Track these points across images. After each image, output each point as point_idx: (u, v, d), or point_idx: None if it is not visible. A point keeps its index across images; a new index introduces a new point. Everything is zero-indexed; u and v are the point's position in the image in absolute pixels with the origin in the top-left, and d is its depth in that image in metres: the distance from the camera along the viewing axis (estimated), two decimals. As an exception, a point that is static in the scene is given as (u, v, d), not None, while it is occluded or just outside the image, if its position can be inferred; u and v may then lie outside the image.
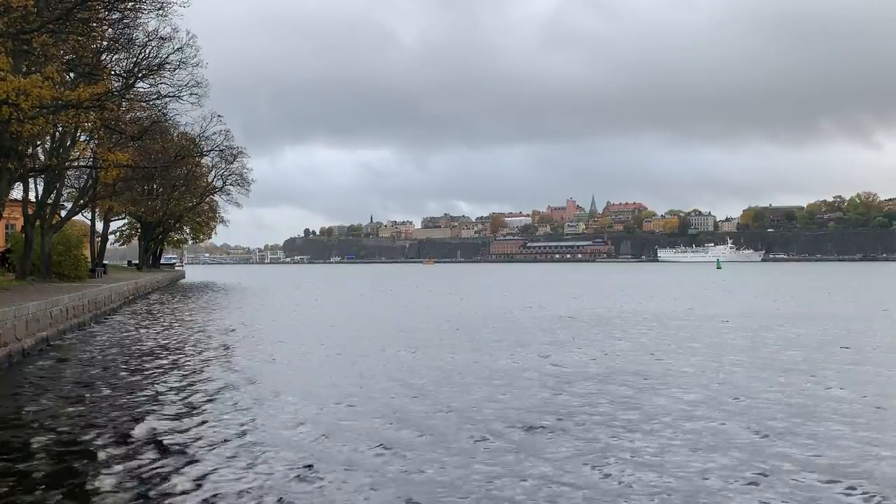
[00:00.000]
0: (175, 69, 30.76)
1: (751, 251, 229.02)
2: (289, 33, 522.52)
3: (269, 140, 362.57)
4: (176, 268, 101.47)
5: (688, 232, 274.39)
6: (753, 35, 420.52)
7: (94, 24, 23.13)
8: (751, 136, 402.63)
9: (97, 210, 48.10)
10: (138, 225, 68.99)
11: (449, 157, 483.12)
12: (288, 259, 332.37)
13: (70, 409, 10.88)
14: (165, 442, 8.93)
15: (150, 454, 8.37)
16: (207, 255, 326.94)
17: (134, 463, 8.02)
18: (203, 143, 62.43)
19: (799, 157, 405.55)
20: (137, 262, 73.38)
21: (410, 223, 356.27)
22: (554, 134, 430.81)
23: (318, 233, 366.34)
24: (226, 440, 8.99)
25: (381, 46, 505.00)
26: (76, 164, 34.02)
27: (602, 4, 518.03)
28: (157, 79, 30.92)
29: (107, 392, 12.29)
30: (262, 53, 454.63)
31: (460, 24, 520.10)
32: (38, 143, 31.04)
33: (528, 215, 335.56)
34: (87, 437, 9.21)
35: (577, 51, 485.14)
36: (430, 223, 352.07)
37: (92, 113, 24.18)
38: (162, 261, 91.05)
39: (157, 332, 21.84)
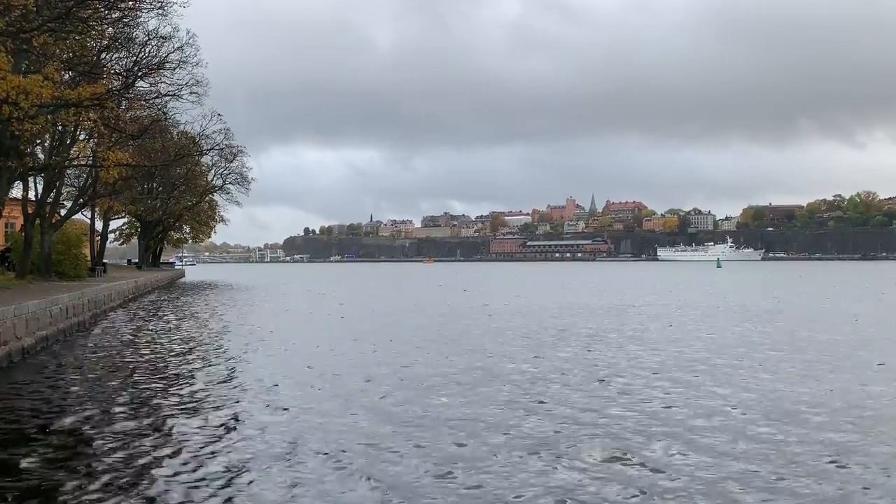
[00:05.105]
0: (175, 68, 30.71)
1: (750, 250, 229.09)
2: (266, 37, 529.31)
3: (254, 141, 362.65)
4: (176, 266, 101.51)
5: (687, 231, 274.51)
6: (722, 39, 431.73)
7: (94, 24, 23.09)
8: (731, 136, 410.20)
9: (97, 209, 48.11)
10: (138, 224, 69.01)
11: (434, 157, 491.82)
12: (287, 258, 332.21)
13: (69, 409, 10.91)
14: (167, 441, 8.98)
15: (153, 451, 8.41)
16: (207, 254, 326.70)
17: (135, 457, 8.06)
18: (203, 141, 62.44)
19: (782, 156, 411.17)
20: (137, 260, 73.46)
21: (410, 222, 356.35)
22: (534, 135, 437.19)
23: (317, 232, 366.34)
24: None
25: (357, 50, 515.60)
26: (76, 162, 34.01)
27: (566, 10, 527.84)
28: (157, 78, 30.89)
29: (107, 391, 12.32)
30: (241, 56, 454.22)
31: (432, 29, 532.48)
32: (38, 141, 31.02)
33: (527, 214, 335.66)
34: (88, 438, 9.24)
35: (544, 54, 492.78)
36: (429, 222, 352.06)
37: (92, 112, 24.17)
38: (171, 260, 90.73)
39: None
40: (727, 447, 8.50)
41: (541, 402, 11.16)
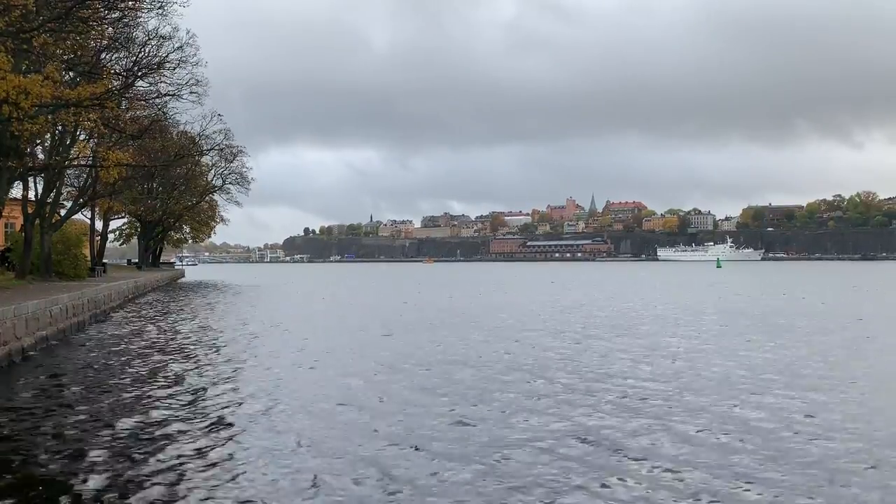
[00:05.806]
0: (175, 68, 30.66)
1: (750, 250, 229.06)
2: (265, 37, 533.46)
3: (253, 141, 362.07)
4: (176, 266, 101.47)
5: (687, 231, 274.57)
6: (721, 38, 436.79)
7: (94, 24, 23.07)
8: (731, 136, 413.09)
9: (97, 209, 48.12)
10: (138, 224, 69.01)
11: (432, 157, 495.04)
12: (287, 258, 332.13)
13: (71, 407, 10.91)
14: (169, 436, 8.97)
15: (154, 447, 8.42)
16: (207, 254, 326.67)
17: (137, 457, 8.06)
18: (203, 141, 62.45)
19: (781, 156, 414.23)
20: (137, 260, 73.45)
21: (410, 222, 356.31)
22: (533, 135, 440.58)
23: (317, 232, 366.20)
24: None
25: (354, 50, 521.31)
26: (76, 162, 33.98)
27: (562, 10, 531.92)
28: (157, 77, 30.85)
29: (109, 389, 12.32)
30: (241, 56, 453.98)
31: (428, 29, 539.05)
32: (38, 141, 31.00)
33: (527, 214, 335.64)
34: (92, 436, 9.24)
35: (542, 54, 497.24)
36: (429, 222, 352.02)
37: (92, 112, 24.16)
38: (171, 260, 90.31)
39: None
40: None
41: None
